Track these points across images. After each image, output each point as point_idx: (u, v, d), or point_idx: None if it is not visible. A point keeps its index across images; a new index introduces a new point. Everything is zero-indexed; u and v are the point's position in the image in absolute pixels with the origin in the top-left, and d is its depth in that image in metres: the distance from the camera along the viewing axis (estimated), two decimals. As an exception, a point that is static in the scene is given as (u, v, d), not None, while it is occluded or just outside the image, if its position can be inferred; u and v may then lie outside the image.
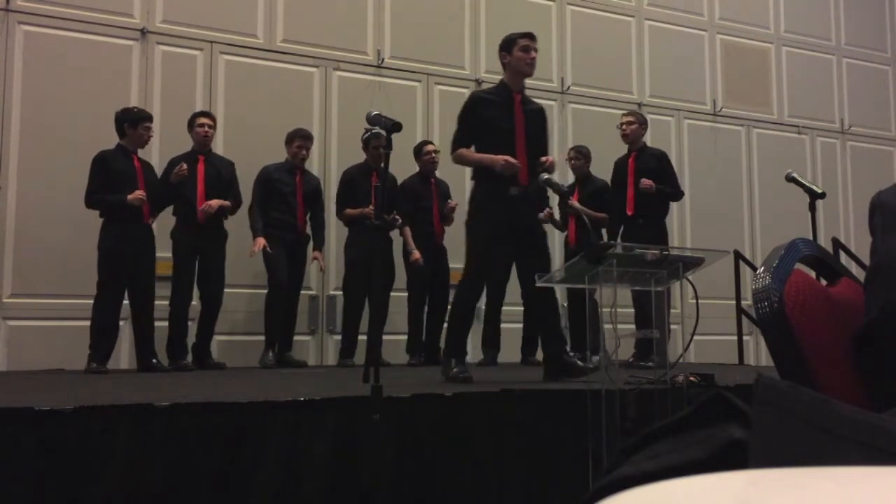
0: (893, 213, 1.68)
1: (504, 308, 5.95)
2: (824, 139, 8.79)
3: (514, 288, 5.93)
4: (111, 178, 4.96)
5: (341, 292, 6.02)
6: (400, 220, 5.70)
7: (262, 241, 5.46)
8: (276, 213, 5.60)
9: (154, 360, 5.04)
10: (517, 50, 4.01)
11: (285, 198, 5.63)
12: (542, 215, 5.71)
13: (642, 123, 5.67)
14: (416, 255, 5.77)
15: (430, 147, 6.08)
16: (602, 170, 5.98)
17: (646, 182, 5.29)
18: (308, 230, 5.79)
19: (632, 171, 5.51)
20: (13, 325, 5.55)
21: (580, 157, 5.99)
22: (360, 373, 3.84)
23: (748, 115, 8.41)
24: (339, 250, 6.12)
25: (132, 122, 5.07)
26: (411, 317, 5.92)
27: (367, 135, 5.61)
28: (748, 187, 8.29)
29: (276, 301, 5.54)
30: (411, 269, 5.87)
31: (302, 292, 5.90)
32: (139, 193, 4.92)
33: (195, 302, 5.43)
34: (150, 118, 5.18)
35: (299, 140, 5.70)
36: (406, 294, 5.96)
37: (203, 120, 5.47)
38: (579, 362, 3.85)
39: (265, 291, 5.62)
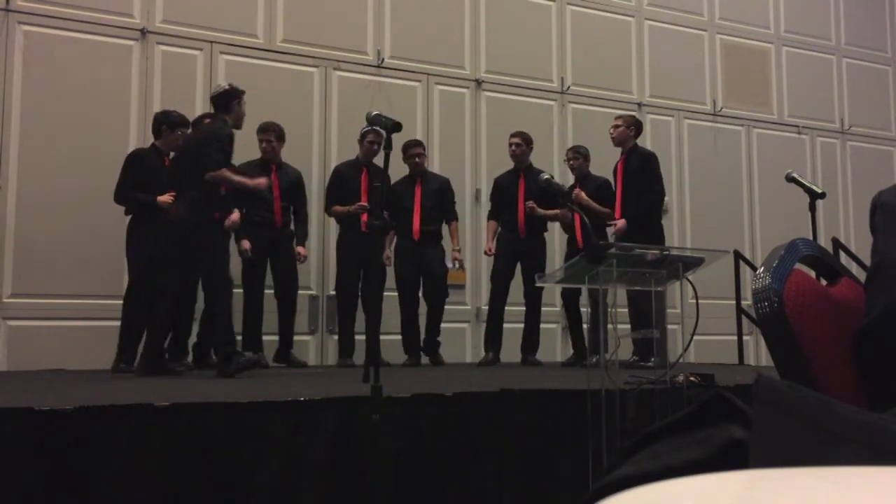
0: (894, 212, 1.68)
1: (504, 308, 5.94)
2: (824, 139, 8.79)
3: (514, 288, 5.95)
4: (141, 177, 4.97)
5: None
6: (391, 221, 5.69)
7: (246, 244, 5.40)
8: (253, 210, 5.46)
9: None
10: (236, 105, 4.64)
11: (262, 194, 5.57)
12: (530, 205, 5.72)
13: (630, 126, 5.65)
14: (387, 253, 5.77)
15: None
16: (602, 171, 5.97)
17: (618, 226, 5.31)
18: (292, 226, 5.72)
19: (620, 173, 5.54)
20: (13, 325, 5.55)
21: (578, 156, 5.97)
22: (360, 373, 3.84)
23: (748, 115, 8.41)
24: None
25: (171, 126, 5.08)
26: (404, 317, 5.88)
27: (366, 128, 5.54)
28: (748, 187, 8.29)
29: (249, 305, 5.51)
30: (397, 270, 5.83)
31: (302, 292, 5.87)
32: (169, 196, 4.89)
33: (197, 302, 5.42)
34: (187, 125, 5.16)
35: (259, 134, 5.60)
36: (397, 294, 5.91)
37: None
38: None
39: (265, 293, 5.61)
